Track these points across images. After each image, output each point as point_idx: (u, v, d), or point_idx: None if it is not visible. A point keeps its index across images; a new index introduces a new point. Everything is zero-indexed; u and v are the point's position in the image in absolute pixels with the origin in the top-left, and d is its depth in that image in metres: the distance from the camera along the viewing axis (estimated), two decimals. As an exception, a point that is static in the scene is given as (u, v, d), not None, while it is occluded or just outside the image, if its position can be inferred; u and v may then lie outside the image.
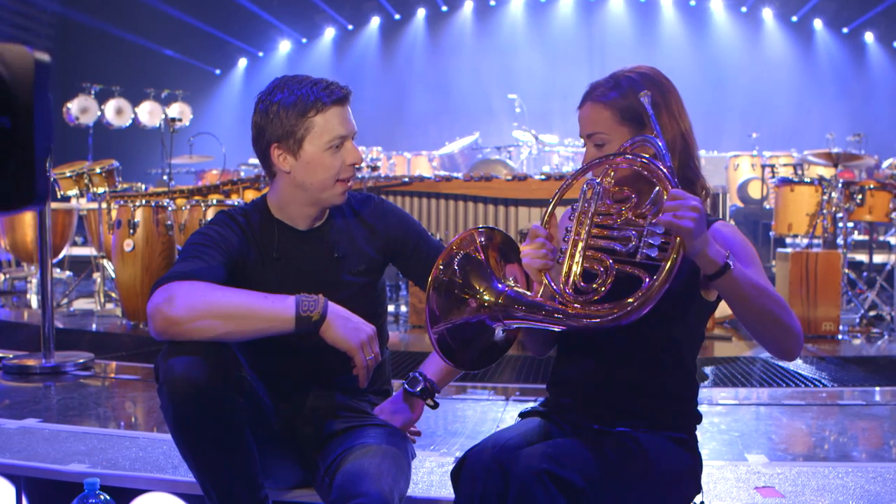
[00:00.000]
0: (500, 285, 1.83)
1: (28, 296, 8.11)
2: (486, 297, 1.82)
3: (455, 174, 6.92)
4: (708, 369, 4.56)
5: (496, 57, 14.41)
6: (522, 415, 2.18)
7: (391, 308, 7.06)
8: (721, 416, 3.47)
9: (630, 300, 1.66)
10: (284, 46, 16.16)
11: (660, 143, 1.78)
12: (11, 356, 4.62)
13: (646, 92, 1.88)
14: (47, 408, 3.60)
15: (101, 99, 11.32)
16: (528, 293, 1.84)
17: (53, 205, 7.48)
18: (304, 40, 16.14)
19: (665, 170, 1.72)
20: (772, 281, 6.16)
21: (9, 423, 3.19)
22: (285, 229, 2.21)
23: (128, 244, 5.95)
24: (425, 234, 2.36)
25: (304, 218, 2.22)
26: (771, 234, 6.71)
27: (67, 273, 8.70)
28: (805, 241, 6.38)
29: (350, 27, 15.93)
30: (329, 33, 16.03)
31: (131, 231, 5.96)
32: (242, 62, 16.12)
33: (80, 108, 11.04)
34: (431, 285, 1.82)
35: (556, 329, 1.78)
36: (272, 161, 2.15)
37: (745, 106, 13.30)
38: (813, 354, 4.99)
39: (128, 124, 11.55)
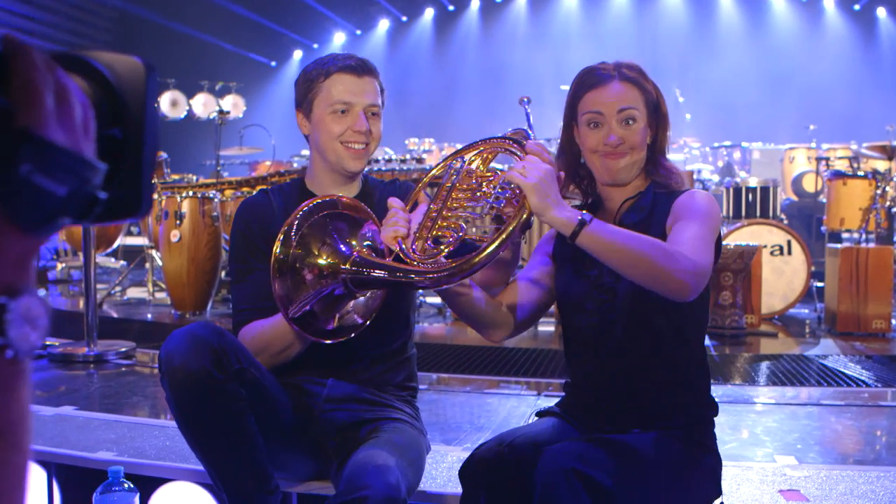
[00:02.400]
0: (347, 249, 1.91)
1: (83, 285, 8.28)
2: (333, 263, 1.89)
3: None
4: (750, 367, 4.48)
5: (549, 48, 14.32)
6: (539, 414, 2.18)
7: (436, 300, 7.06)
8: (755, 414, 3.40)
9: (469, 255, 1.71)
10: (339, 38, 16.26)
11: (531, 132, 1.93)
12: (58, 344, 4.74)
13: (524, 97, 2.03)
14: (85, 395, 3.67)
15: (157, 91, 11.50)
16: (379, 258, 1.90)
17: (107, 195, 7.63)
18: (358, 32, 16.22)
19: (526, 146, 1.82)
20: (820, 277, 6.09)
21: (45, 410, 3.27)
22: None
23: (174, 235, 6.05)
24: None
25: (331, 186, 2.29)
26: (822, 228, 6.55)
27: (121, 262, 8.87)
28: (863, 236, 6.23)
29: (404, 19, 15.98)
30: (383, 25, 16.09)
31: (178, 222, 6.05)
32: (297, 54, 16.26)
33: (136, 101, 11.22)
34: (274, 268, 1.89)
35: (398, 282, 1.84)
36: (299, 126, 2.30)
37: (803, 97, 12.98)
38: (860, 353, 4.87)
39: (182, 116, 11.73)
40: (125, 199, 0.73)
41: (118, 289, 7.47)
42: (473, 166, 1.90)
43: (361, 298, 1.97)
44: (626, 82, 1.98)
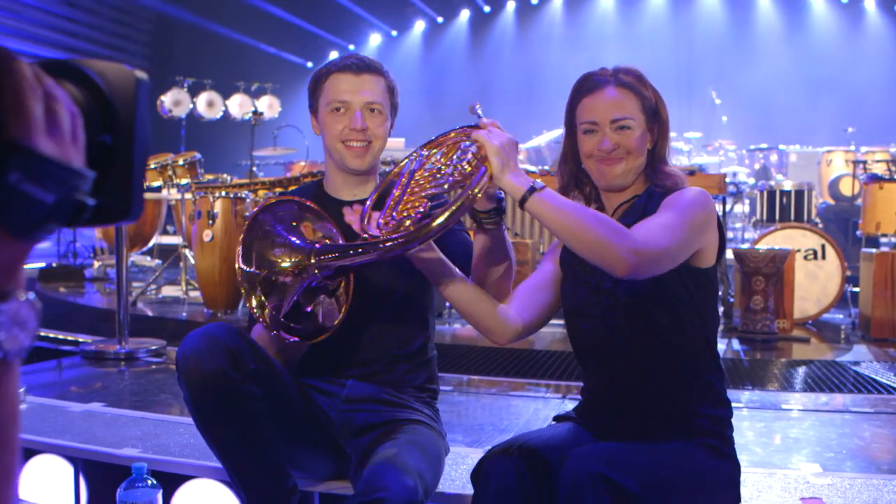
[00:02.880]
0: (305, 244, 1.91)
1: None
2: (296, 262, 1.90)
3: (531, 167, 6.88)
4: (780, 372, 4.43)
5: (584, 50, 14.22)
6: (556, 418, 2.18)
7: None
8: (782, 421, 3.36)
9: (426, 220, 1.76)
10: (375, 39, 16.33)
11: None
12: (91, 341, 4.81)
13: (475, 104, 2.05)
14: (115, 392, 3.72)
15: (194, 92, 11.64)
16: (339, 242, 1.94)
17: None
18: (394, 33, 16.28)
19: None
20: (855, 282, 6.00)
21: (74, 406, 3.32)
22: (330, 199, 2.32)
23: (207, 234, 6.11)
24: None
25: (343, 186, 2.33)
26: (858, 233, 6.46)
27: (156, 261, 8.97)
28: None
29: (440, 20, 16.00)
30: (419, 26, 16.13)
31: (210, 222, 6.11)
32: (333, 55, 16.30)
33: (173, 101, 11.37)
34: (244, 285, 1.92)
35: (366, 258, 1.84)
36: (313, 128, 2.34)
37: (843, 99, 12.74)
38: (894, 359, 4.79)
39: (219, 117, 11.84)
40: (115, 203, 0.75)
41: (153, 287, 7.55)
42: (433, 159, 1.93)
43: (327, 300, 1.98)
44: (620, 88, 1.97)
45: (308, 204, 2.03)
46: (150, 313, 6.63)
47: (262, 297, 1.90)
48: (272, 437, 2.02)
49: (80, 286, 8.45)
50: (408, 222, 1.82)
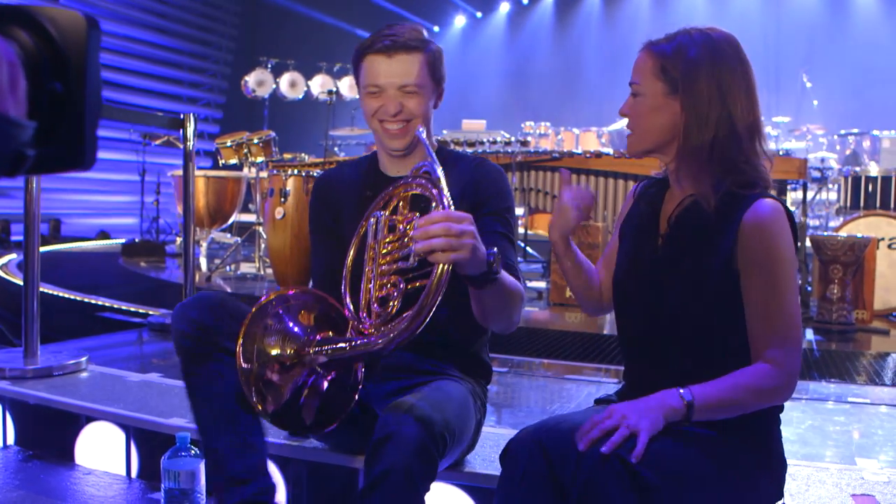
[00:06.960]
0: (305, 336, 1.91)
1: (200, 259, 8.58)
2: (294, 353, 1.90)
3: (605, 150, 6.76)
4: (853, 364, 4.26)
5: (671, 29, 13.83)
6: (597, 401, 2.11)
7: (539, 283, 7.01)
8: (846, 414, 3.22)
9: (407, 313, 1.74)
10: (459, 21, 16.27)
11: (438, 169, 1.87)
12: (159, 314, 4.92)
13: (421, 128, 2.03)
14: (174, 364, 3.77)
15: (277, 72, 11.80)
16: (339, 335, 1.94)
17: (223, 173, 7.87)
18: (478, 14, 16.19)
19: (436, 191, 1.83)
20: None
21: (132, 377, 3.40)
22: (379, 174, 2.32)
23: (279, 212, 6.18)
24: (505, 214, 2.24)
25: (389, 163, 2.31)
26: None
27: (236, 238, 9.14)
28: None
29: (525, 1, 15.85)
30: (504, 7, 16.01)
31: (282, 199, 6.18)
32: (418, 37, 16.34)
33: (257, 81, 11.55)
34: (246, 377, 1.88)
35: (362, 358, 1.88)
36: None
37: None
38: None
39: (301, 97, 11.98)
40: (68, 150, 0.74)
41: (232, 264, 7.70)
42: (393, 214, 1.96)
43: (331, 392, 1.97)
44: (645, 51, 1.84)
45: (317, 296, 2.05)
46: (228, 289, 6.76)
47: (263, 391, 1.90)
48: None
49: (160, 261, 8.68)
50: (393, 307, 1.84)
